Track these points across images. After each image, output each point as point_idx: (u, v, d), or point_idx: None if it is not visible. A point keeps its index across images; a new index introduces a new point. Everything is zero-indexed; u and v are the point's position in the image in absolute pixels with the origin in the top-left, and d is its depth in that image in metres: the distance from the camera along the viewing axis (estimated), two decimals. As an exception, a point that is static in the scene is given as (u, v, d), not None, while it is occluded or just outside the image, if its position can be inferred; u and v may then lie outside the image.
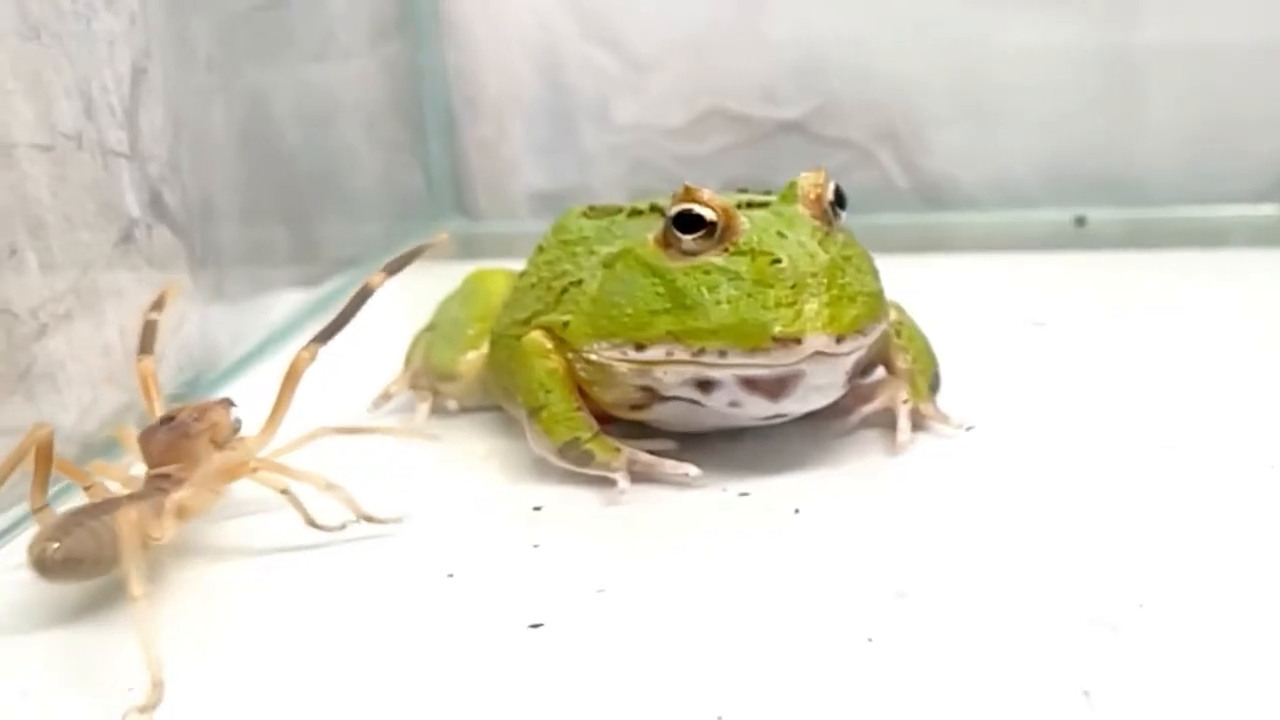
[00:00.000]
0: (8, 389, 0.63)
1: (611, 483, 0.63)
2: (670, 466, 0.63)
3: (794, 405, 0.63)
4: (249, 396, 0.80)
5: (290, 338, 0.91)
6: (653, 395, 0.64)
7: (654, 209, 0.67)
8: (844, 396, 0.66)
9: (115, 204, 0.72)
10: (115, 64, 0.72)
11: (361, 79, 1.05)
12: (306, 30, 0.97)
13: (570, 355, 0.65)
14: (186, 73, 0.81)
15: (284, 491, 0.59)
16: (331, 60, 1.01)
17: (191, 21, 0.82)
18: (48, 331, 0.66)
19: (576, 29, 1.07)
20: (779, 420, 0.64)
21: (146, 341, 0.66)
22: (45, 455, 0.56)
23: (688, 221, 0.62)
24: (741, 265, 0.61)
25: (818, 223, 0.63)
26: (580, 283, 0.66)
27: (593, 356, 0.64)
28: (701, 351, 0.60)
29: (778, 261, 0.60)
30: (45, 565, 0.52)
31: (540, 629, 0.51)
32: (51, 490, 0.56)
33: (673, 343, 0.61)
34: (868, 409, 0.68)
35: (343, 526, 0.60)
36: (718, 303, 0.60)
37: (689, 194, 0.62)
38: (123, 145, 0.72)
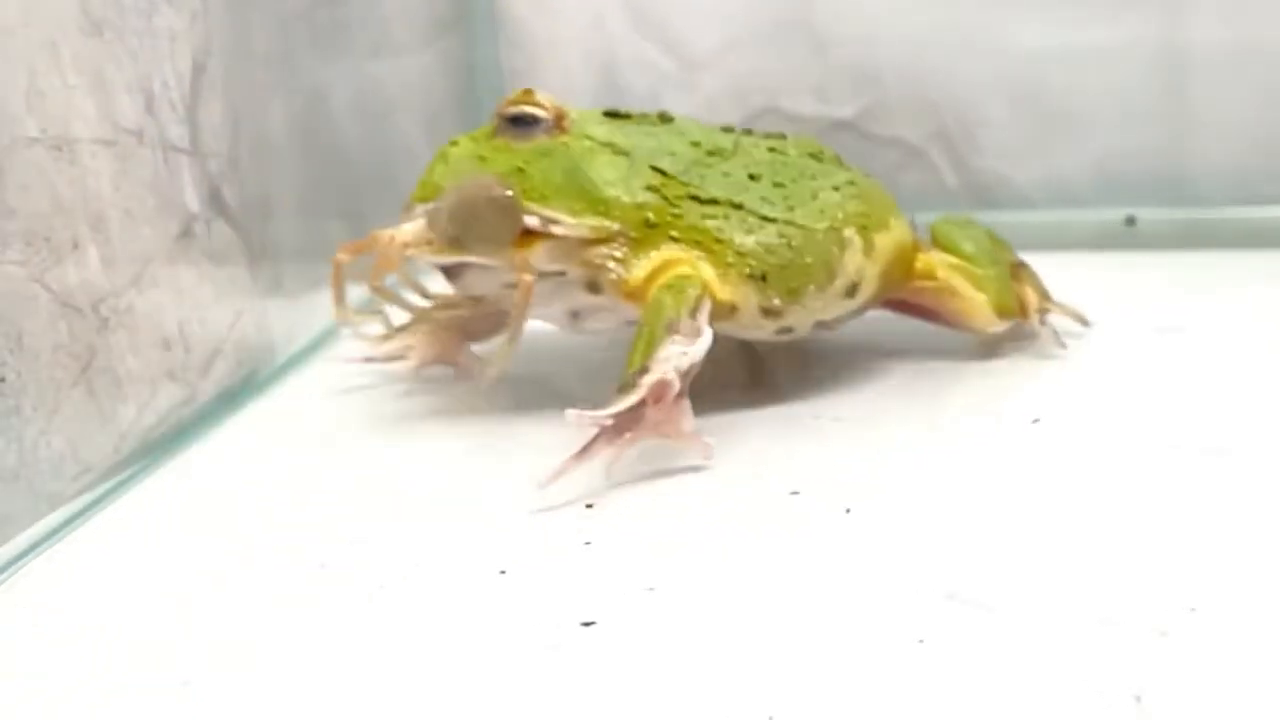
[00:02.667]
0: (68, 382, 0.64)
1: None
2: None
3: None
4: (305, 390, 0.81)
5: (346, 332, 0.90)
6: None
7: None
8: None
9: (175, 199, 0.73)
10: (176, 60, 0.73)
11: (417, 75, 1.06)
12: (363, 27, 0.98)
13: None
14: (246, 69, 0.82)
15: None
16: (388, 57, 1.01)
17: (251, 18, 0.83)
18: (108, 326, 0.67)
19: (631, 27, 1.08)
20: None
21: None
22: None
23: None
24: None
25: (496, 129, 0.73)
26: None
27: None
28: None
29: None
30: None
31: (592, 627, 0.51)
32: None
33: None
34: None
35: None
36: None
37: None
38: (183, 141, 0.73)
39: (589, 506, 0.62)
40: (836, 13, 1.04)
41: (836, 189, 0.75)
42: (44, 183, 0.63)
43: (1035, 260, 0.82)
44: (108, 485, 0.67)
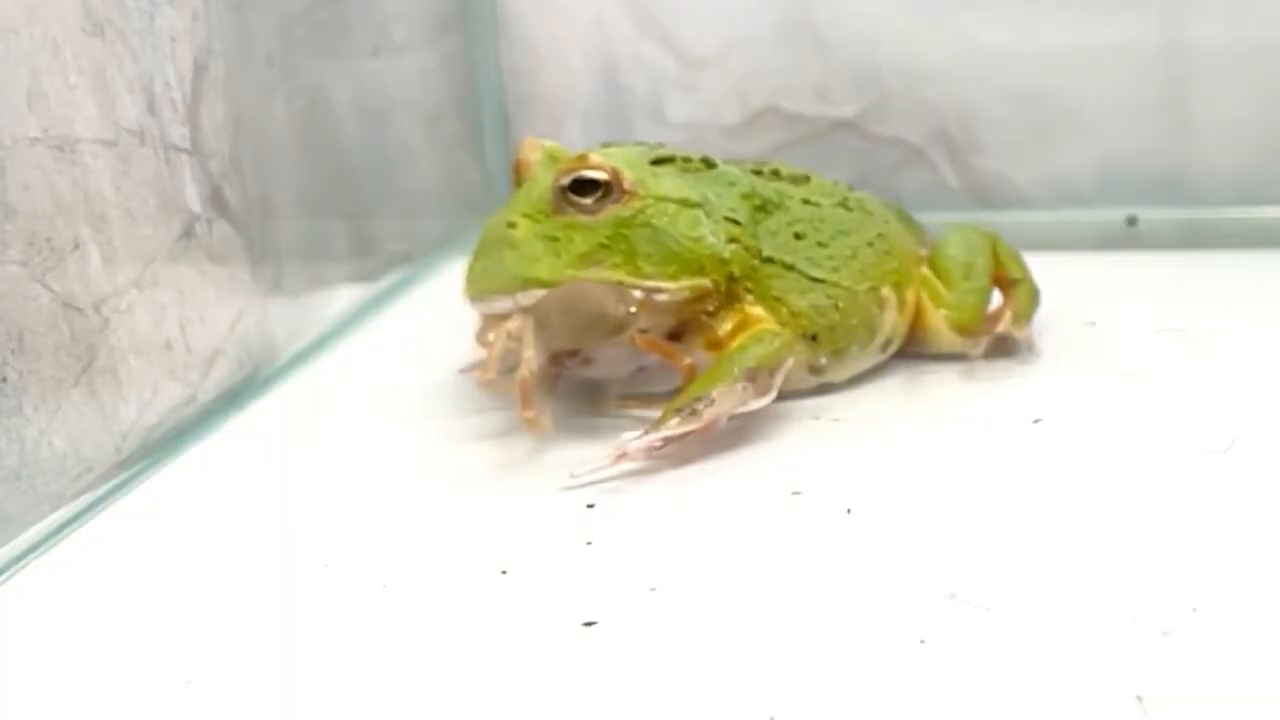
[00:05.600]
0: (70, 382, 0.64)
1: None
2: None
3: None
4: (307, 390, 0.81)
5: (348, 332, 0.91)
6: None
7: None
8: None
9: (176, 199, 0.73)
10: (177, 60, 0.73)
11: (417, 75, 1.05)
12: (363, 26, 0.98)
13: None
14: (247, 69, 0.82)
15: None
16: (388, 56, 1.01)
17: (252, 18, 0.83)
18: (110, 325, 0.67)
19: (632, 27, 1.08)
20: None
21: None
22: None
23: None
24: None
25: (545, 201, 0.70)
26: None
27: None
28: None
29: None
30: None
31: (593, 627, 0.51)
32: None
33: None
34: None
35: None
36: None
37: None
38: (184, 141, 0.73)
39: (590, 506, 0.62)
40: (837, 13, 1.04)
41: (870, 244, 0.76)
42: (45, 183, 0.63)
43: (1036, 260, 0.82)
44: (109, 485, 0.67)
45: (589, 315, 0.68)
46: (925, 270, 0.79)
